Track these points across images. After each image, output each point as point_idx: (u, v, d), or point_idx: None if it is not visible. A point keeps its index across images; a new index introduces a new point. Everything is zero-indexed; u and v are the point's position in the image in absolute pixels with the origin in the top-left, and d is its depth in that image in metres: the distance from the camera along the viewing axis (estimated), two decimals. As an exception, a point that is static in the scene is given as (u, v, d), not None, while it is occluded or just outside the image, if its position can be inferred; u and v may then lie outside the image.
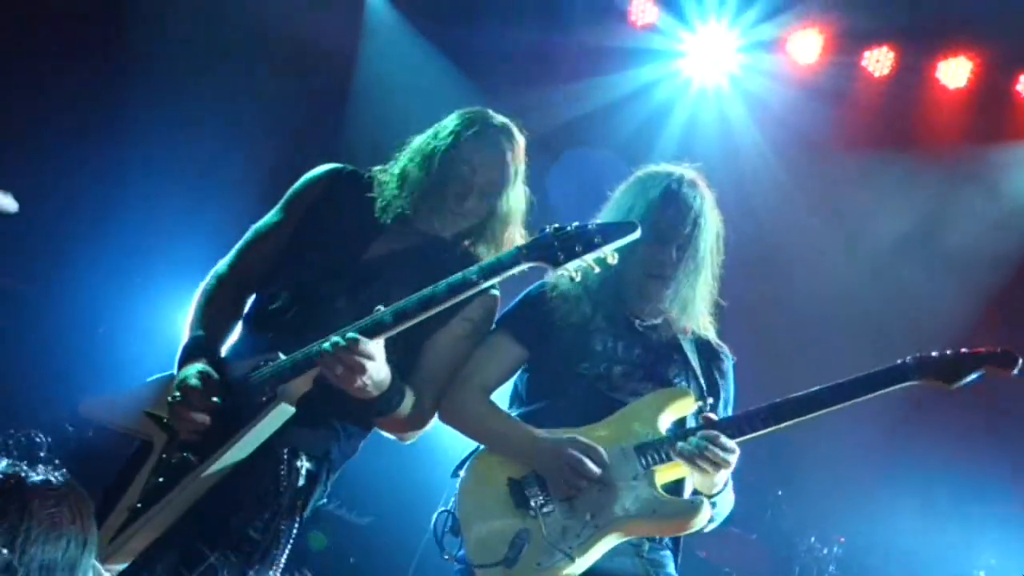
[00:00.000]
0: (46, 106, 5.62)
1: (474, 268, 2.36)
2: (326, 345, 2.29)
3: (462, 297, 2.36)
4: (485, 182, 2.62)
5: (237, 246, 2.72)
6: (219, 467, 2.32)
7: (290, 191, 2.75)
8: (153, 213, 5.74)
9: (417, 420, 2.57)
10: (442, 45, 6.37)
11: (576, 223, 2.35)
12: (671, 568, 2.61)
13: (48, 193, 5.39)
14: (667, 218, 2.64)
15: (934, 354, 2.53)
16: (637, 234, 2.33)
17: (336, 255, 2.60)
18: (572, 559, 2.38)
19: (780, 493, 5.72)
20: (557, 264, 2.30)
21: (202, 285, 2.67)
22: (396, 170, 2.68)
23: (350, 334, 2.28)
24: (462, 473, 2.65)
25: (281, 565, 2.44)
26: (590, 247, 2.29)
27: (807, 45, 5.93)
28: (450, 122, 2.69)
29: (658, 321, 2.72)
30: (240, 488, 2.36)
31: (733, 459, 2.46)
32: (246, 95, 5.96)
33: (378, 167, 2.74)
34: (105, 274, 5.58)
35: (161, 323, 5.10)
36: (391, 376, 2.39)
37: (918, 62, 5.84)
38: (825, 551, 5.48)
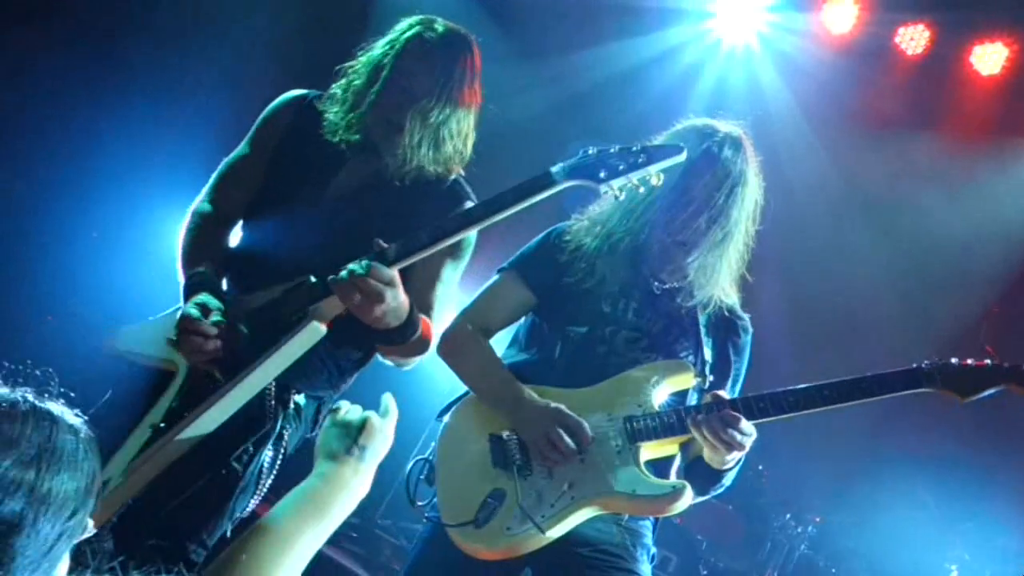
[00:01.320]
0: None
1: (507, 192, 2.24)
2: (343, 273, 2.18)
3: (496, 219, 2.25)
4: (421, 92, 2.46)
5: (212, 182, 2.63)
6: (246, 388, 2.22)
7: (256, 122, 2.65)
8: (150, 132, 5.61)
9: (420, 346, 2.46)
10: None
11: (618, 145, 2.28)
12: (649, 539, 2.56)
13: (49, 99, 5.27)
14: (703, 183, 2.52)
15: (954, 361, 2.41)
16: (683, 157, 2.26)
17: (307, 189, 2.52)
18: (542, 531, 2.32)
19: (760, 468, 5.71)
20: (600, 181, 2.22)
21: (185, 224, 2.57)
22: (342, 88, 2.55)
23: (366, 261, 2.17)
24: (446, 418, 2.59)
25: (262, 495, 2.38)
26: (635, 166, 2.22)
27: (842, 15, 5.74)
28: (392, 32, 2.55)
29: (678, 285, 2.61)
30: (229, 422, 2.27)
31: (749, 442, 2.38)
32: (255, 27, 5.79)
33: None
34: (100, 180, 5.47)
35: (154, 235, 5.01)
36: (409, 304, 2.29)
37: (953, 44, 5.66)
38: (800, 529, 5.49)
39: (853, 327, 5.88)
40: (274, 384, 2.34)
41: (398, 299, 2.23)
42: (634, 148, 2.26)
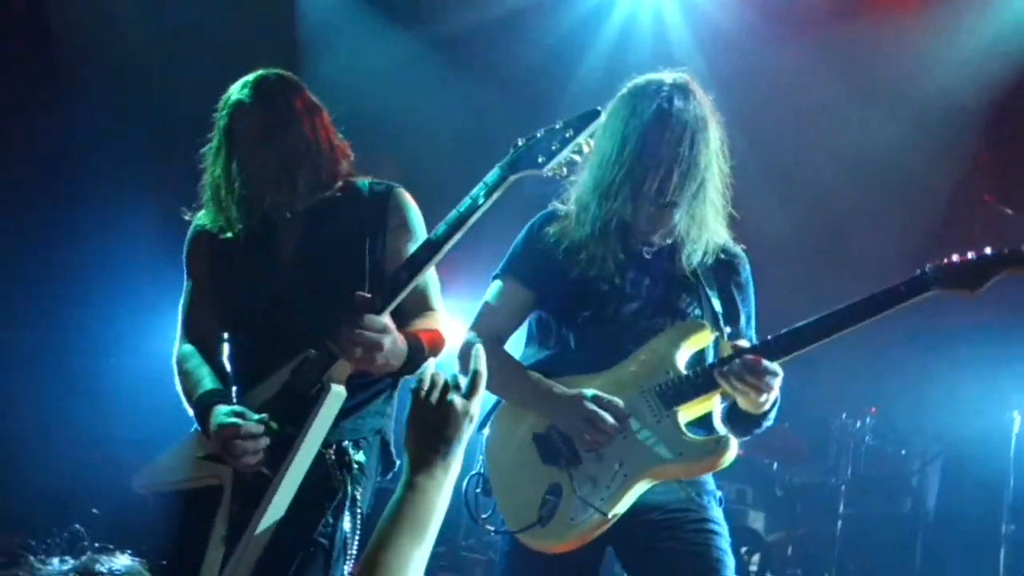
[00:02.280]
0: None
1: (466, 200, 2.35)
2: (336, 336, 2.28)
3: (462, 233, 2.35)
4: (256, 145, 2.53)
5: (179, 325, 2.71)
6: (295, 473, 2.31)
7: (184, 255, 2.73)
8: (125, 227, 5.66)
9: (437, 352, 2.55)
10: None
11: (541, 129, 2.39)
12: (711, 484, 2.59)
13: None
14: (664, 141, 2.52)
15: (954, 259, 2.39)
16: (602, 118, 2.39)
17: (254, 287, 2.59)
18: (605, 514, 2.37)
19: (802, 379, 5.74)
20: (541, 167, 2.33)
21: (175, 362, 2.64)
22: (208, 196, 2.62)
23: (353, 317, 2.27)
24: (486, 430, 2.63)
25: (352, 559, 2.44)
26: (564, 142, 2.34)
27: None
28: (217, 125, 2.61)
29: (668, 242, 2.63)
30: (298, 499, 2.35)
31: (777, 382, 2.41)
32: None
33: None
34: (97, 304, 5.53)
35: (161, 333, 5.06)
36: (406, 340, 2.38)
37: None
38: (859, 424, 5.52)
39: (844, 232, 5.89)
40: (333, 451, 2.43)
41: (395, 342, 2.33)
42: (557, 126, 2.36)
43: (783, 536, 5.47)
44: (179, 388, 2.60)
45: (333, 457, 2.45)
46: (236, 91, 2.58)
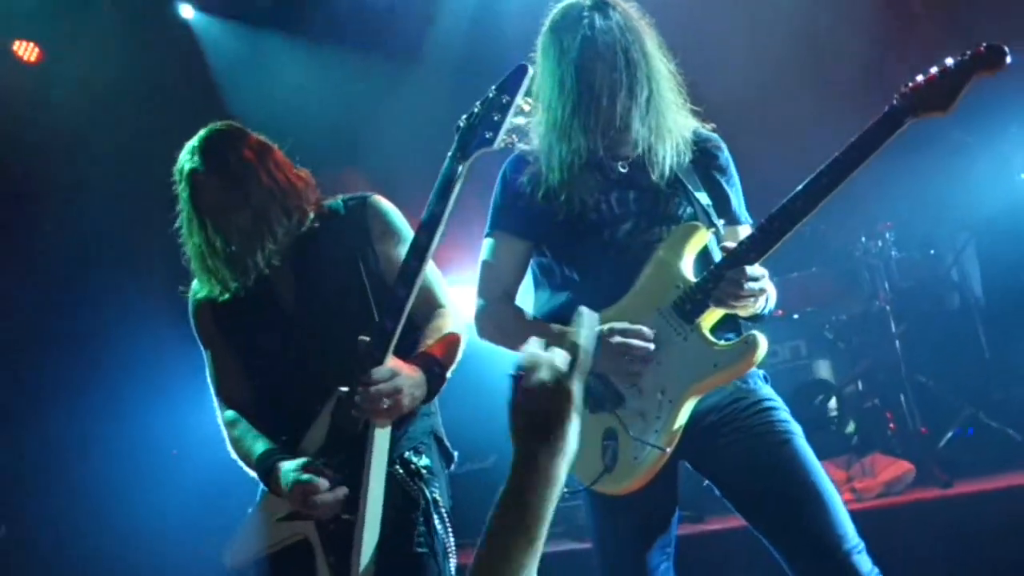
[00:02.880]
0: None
1: (431, 199, 2.37)
2: (356, 400, 2.35)
3: (439, 234, 2.38)
4: (224, 209, 2.55)
5: (213, 395, 2.74)
6: (373, 506, 2.37)
7: (193, 329, 2.75)
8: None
9: (458, 352, 2.59)
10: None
11: (477, 102, 2.41)
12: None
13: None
14: (598, 69, 2.51)
15: (920, 81, 2.31)
16: (531, 71, 2.40)
17: (268, 339, 2.62)
18: (663, 448, 2.38)
19: (811, 223, 5.72)
20: (491, 142, 2.35)
21: (226, 439, 2.67)
22: (195, 259, 2.63)
23: (364, 376, 2.33)
24: None
25: (454, 551, 2.52)
26: (504, 109, 2.35)
27: None
28: (177, 188, 2.63)
29: (640, 151, 2.59)
30: (386, 523, 2.40)
31: (765, 283, 2.40)
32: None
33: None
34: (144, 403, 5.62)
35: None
36: (420, 368, 2.43)
37: None
38: (879, 243, 5.47)
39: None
40: (399, 465, 2.50)
41: (410, 378, 2.39)
42: (491, 95, 2.37)
43: (849, 374, 5.48)
44: (234, 455, 2.63)
45: (401, 471, 2.51)
46: (186, 160, 2.59)
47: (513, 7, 5.67)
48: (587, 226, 2.57)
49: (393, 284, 2.41)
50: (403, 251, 2.50)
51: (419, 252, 2.37)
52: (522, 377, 1.51)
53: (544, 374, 1.50)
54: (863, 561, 2.35)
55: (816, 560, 2.35)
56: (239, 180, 2.54)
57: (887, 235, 5.50)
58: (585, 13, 2.54)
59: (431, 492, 2.52)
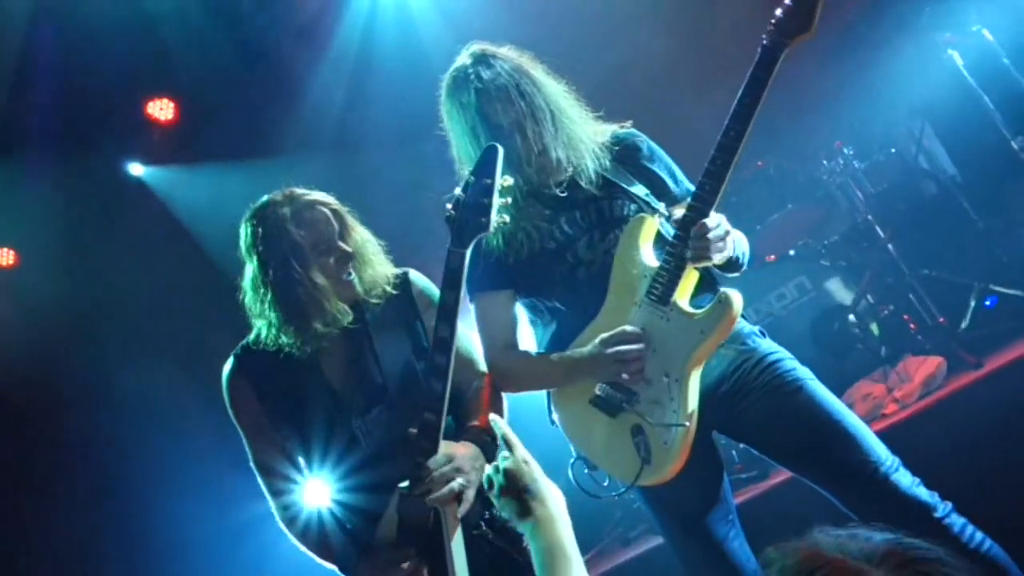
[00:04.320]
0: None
1: (441, 291, 2.47)
2: (415, 493, 2.42)
3: (454, 322, 2.45)
4: (324, 250, 2.66)
5: (264, 487, 2.74)
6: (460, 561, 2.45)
7: (232, 415, 2.76)
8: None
9: (499, 389, 2.72)
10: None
11: (458, 187, 2.50)
12: (745, 327, 2.74)
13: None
14: (496, 113, 2.71)
15: (779, 13, 2.50)
16: (501, 150, 2.50)
17: (321, 414, 2.67)
18: (684, 424, 2.53)
19: (759, 164, 5.85)
20: (486, 227, 2.45)
21: (293, 536, 2.72)
22: (259, 323, 2.69)
23: (411, 480, 2.42)
24: (554, 417, 2.81)
25: None
26: (489, 191, 2.44)
27: None
28: (243, 241, 2.71)
29: (568, 174, 2.79)
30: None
31: (724, 228, 2.57)
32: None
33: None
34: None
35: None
36: (475, 447, 2.53)
37: None
38: (841, 162, 5.59)
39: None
40: (485, 528, 2.55)
41: (467, 456, 2.48)
42: (471, 180, 2.47)
43: (858, 289, 5.57)
44: (305, 549, 2.70)
45: (487, 529, 2.57)
46: (262, 212, 2.68)
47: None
48: (549, 255, 2.76)
49: (424, 376, 2.46)
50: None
51: (443, 345, 2.43)
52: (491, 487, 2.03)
53: (490, 473, 2.04)
54: (902, 478, 2.50)
55: (860, 491, 2.50)
56: (333, 231, 2.67)
57: (845, 150, 5.61)
58: (470, 70, 2.76)
59: (522, 543, 2.58)
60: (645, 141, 2.89)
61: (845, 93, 5.95)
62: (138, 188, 6.78)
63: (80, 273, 6.04)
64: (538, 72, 2.80)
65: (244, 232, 2.69)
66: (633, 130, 2.91)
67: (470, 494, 2.46)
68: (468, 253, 2.46)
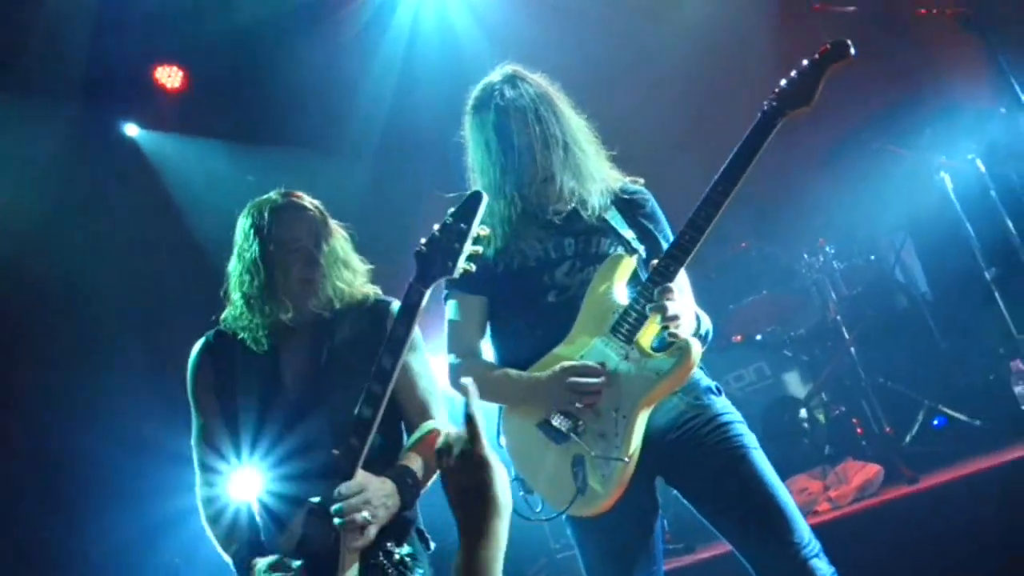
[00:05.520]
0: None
1: (395, 321, 2.52)
2: (336, 522, 2.42)
3: (404, 353, 2.48)
4: (301, 248, 2.77)
5: (197, 464, 2.80)
6: None
7: (188, 388, 2.84)
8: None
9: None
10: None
11: (435, 227, 2.52)
12: (703, 380, 2.78)
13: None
14: (514, 133, 2.79)
15: (783, 84, 2.60)
16: (486, 198, 2.52)
17: (265, 409, 2.72)
18: (624, 460, 2.57)
19: (744, 244, 5.95)
20: (452, 272, 2.48)
21: (202, 515, 2.76)
22: (236, 300, 2.80)
23: (334, 507, 2.41)
24: (502, 440, 2.82)
25: None
26: (462, 237, 2.47)
27: None
28: (243, 223, 2.83)
29: (571, 206, 2.85)
30: None
31: (676, 295, 2.61)
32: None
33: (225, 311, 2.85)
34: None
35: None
36: (392, 484, 2.54)
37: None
38: (820, 258, 5.71)
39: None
40: (382, 557, 2.55)
41: (380, 491, 2.50)
42: (448, 221, 2.50)
43: (813, 385, 5.67)
44: (208, 531, 2.72)
45: (385, 560, 2.56)
46: (267, 203, 2.83)
47: (424, 98, 5.96)
48: (528, 273, 2.83)
49: (359, 409, 2.46)
50: (417, 367, 2.74)
51: (382, 375, 2.45)
52: (442, 459, 1.72)
53: (456, 452, 1.71)
54: (821, 564, 2.55)
55: (777, 566, 2.55)
56: (318, 234, 2.79)
57: (827, 248, 5.73)
58: (496, 87, 2.86)
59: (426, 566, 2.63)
60: (651, 201, 2.97)
61: (837, 194, 6.09)
62: (131, 149, 6.77)
63: (55, 239, 5.93)
64: (562, 103, 2.90)
65: (238, 222, 2.85)
66: (643, 188, 2.99)
67: (372, 531, 2.46)
68: (428, 293, 2.49)
